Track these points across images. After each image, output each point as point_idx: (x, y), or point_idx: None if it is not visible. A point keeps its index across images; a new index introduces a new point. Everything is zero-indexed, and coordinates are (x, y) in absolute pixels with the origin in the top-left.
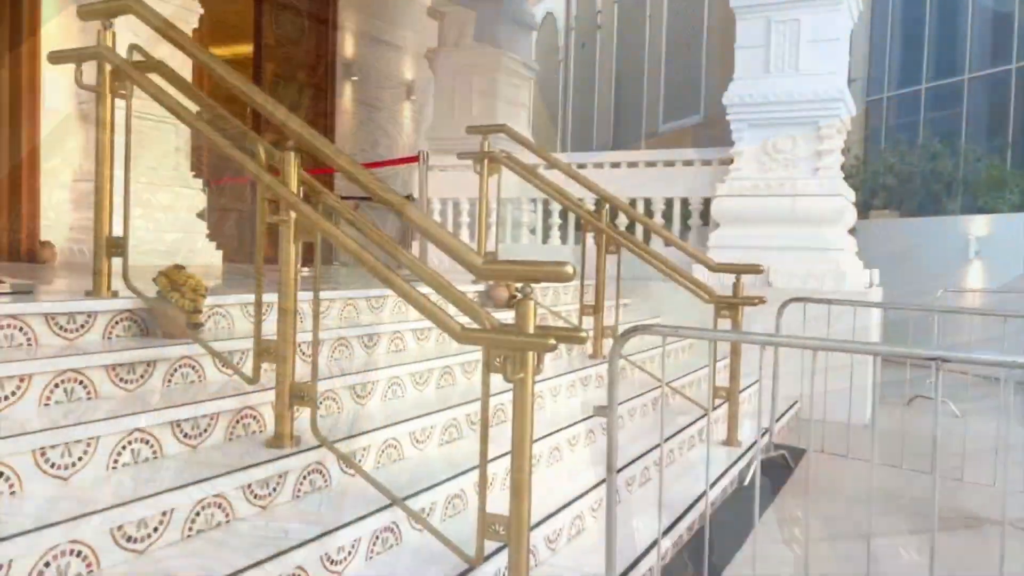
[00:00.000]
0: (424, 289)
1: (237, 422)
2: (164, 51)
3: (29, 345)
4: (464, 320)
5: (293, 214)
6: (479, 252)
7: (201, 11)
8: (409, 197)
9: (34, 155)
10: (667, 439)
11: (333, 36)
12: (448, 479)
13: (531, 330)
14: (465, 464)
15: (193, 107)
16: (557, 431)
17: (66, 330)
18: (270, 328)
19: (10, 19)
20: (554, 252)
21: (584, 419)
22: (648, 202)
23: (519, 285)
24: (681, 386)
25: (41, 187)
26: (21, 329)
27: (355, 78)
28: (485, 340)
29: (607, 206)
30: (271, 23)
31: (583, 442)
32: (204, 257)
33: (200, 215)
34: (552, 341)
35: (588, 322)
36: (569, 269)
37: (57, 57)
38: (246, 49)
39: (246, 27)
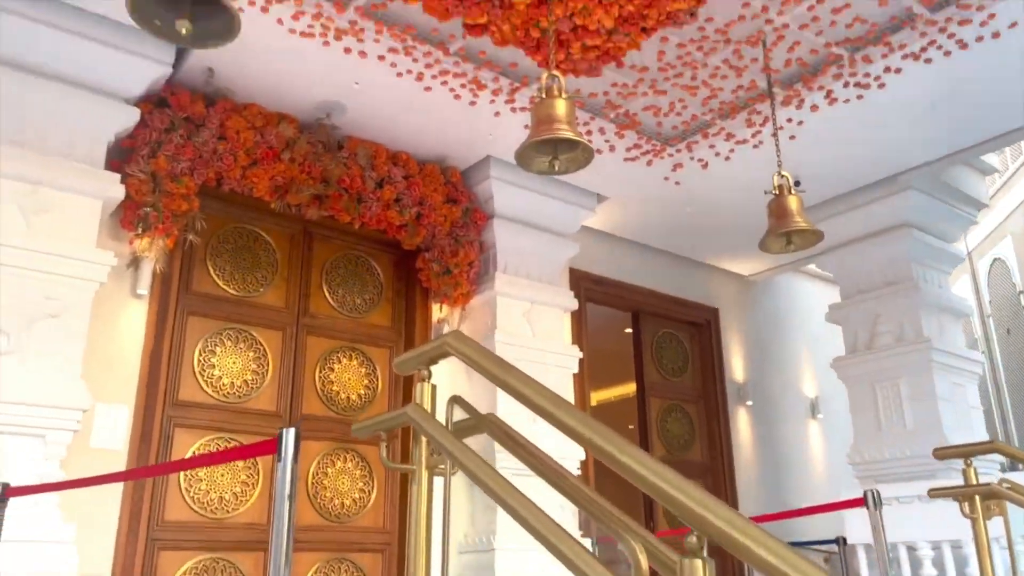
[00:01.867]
0: None
1: None
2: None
3: None
4: None
5: None
6: None
7: (580, 355)
8: (840, 541)
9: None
10: None
11: (720, 361)
12: None
13: None
14: None
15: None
16: None
17: None
18: None
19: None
20: None
21: None
22: None
23: None
24: None
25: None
26: None
27: (749, 403)
28: None
29: None
30: (652, 359)
31: None
32: None
33: None
34: None
35: None
36: None
37: (360, 429)
38: (628, 388)
39: (627, 366)
